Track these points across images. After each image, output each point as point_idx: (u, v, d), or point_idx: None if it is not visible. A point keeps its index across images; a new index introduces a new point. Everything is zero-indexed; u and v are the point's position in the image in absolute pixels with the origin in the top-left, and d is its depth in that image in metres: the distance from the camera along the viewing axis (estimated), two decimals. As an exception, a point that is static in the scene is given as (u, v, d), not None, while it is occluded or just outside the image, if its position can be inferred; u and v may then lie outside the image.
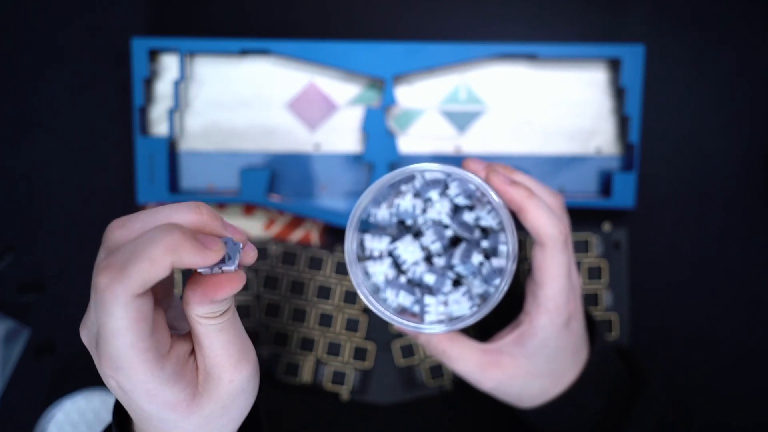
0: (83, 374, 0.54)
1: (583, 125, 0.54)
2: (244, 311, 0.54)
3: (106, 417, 0.53)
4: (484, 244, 0.43)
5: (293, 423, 0.55)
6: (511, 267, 0.40)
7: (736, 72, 0.56)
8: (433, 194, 0.43)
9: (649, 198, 0.56)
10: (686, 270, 0.56)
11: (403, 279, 0.44)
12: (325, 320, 0.54)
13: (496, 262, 0.43)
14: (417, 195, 0.44)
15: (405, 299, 0.43)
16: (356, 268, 0.41)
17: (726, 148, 0.56)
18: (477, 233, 0.44)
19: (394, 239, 0.44)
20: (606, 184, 0.54)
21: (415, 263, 0.44)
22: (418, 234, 0.44)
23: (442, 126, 0.54)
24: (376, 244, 0.44)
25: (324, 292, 0.54)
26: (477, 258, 0.43)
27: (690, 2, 0.56)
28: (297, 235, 0.56)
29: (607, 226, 0.55)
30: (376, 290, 0.44)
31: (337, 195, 0.55)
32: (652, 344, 0.55)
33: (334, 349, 0.54)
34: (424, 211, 0.43)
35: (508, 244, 0.40)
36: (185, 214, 0.33)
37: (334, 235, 0.55)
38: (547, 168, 0.54)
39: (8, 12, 0.55)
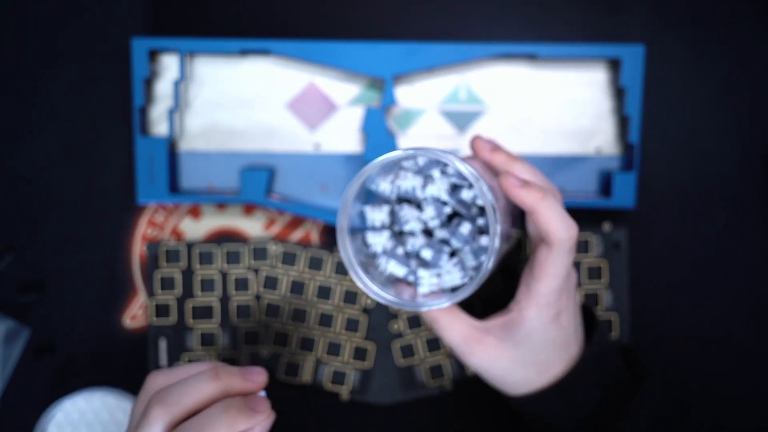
0: (83, 374, 0.54)
1: (583, 125, 0.54)
2: (244, 311, 0.54)
3: (106, 417, 0.53)
4: (480, 221, 0.44)
5: (293, 423, 0.55)
6: (494, 245, 0.40)
7: (736, 72, 0.56)
8: (435, 172, 0.44)
9: (649, 198, 0.56)
10: (686, 270, 0.56)
11: (400, 250, 0.44)
12: (325, 320, 0.54)
13: (484, 240, 0.43)
14: (419, 172, 0.44)
15: (399, 270, 0.44)
16: (347, 240, 0.42)
17: (726, 148, 0.56)
18: (474, 210, 0.44)
19: (393, 211, 0.45)
20: (606, 184, 0.54)
21: (412, 233, 0.44)
22: (418, 206, 0.45)
23: (442, 126, 0.54)
24: (377, 214, 0.44)
25: (324, 292, 0.54)
26: (465, 227, 0.43)
27: (690, 2, 0.56)
28: (297, 235, 0.56)
29: (607, 226, 0.55)
30: (372, 258, 0.44)
31: (337, 195, 0.55)
32: (652, 344, 0.55)
33: (334, 349, 0.54)
34: (424, 186, 0.44)
35: (491, 225, 0.40)
36: (210, 383, 0.39)
37: (334, 235, 0.55)
38: (547, 168, 0.54)
39: (8, 12, 0.55)
